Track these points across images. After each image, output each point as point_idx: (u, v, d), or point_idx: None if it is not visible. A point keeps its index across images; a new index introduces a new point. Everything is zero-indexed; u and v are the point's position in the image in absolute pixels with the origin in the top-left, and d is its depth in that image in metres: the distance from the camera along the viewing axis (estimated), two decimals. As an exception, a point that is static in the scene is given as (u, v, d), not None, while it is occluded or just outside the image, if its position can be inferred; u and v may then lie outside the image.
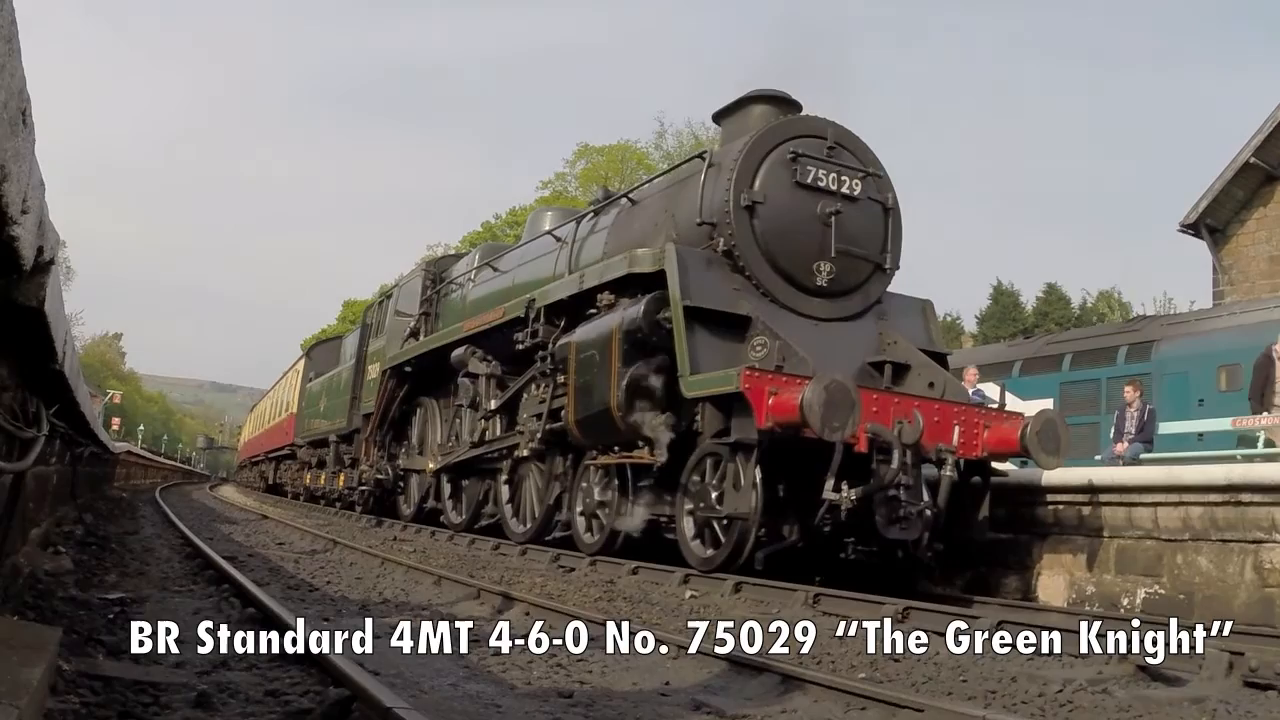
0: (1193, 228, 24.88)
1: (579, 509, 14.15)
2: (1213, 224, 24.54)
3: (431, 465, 19.94)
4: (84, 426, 13.57)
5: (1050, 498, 12.45)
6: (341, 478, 27.00)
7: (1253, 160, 23.31)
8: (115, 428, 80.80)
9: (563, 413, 13.84)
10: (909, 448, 10.90)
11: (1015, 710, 5.42)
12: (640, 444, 12.35)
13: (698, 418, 11.67)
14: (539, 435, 14.75)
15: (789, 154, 12.54)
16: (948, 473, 11.20)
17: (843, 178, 12.77)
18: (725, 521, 11.08)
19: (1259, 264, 24.11)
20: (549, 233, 17.15)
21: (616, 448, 12.97)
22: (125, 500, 27.34)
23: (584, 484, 14.11)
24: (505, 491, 16.87)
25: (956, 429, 11.44)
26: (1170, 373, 19.60)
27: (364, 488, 24.08)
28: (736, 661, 6.31)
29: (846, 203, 12.70)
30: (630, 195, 15.30)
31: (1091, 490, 11.90)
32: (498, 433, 17.10)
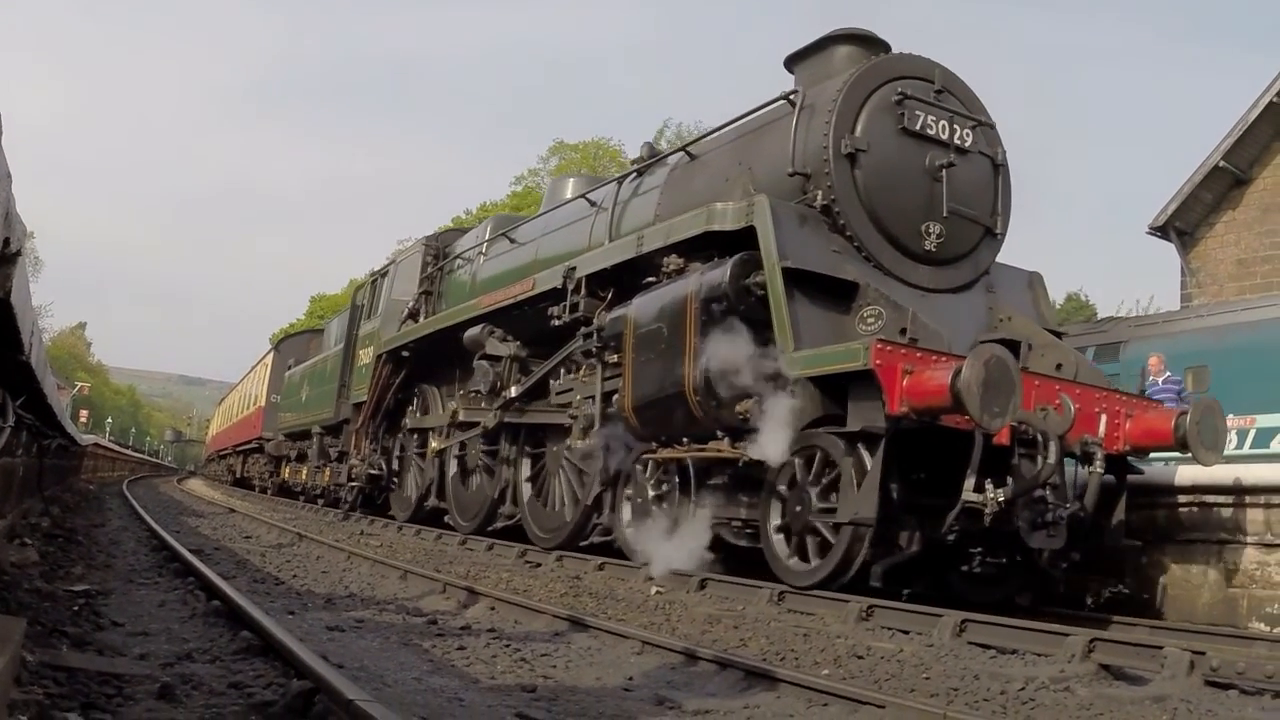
0: (1161, 230, 24.97)
1: (626, 511, 12.38)
2: (1181, 227, 24.62)
3: (435, 445, 17.94)
4: (51, 418, 13.51)
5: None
6: (327, 472, 24.70)
7: (1222, 164, 23.40)
8: (83, 420, 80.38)
9: (615, 398, 12.03)
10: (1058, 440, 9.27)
11: (977, 708, 5.44)
12: (719, 434, 10.51)
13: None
14: (597, 422, 12.54)
15: (895, 96, 10.81)
16: (1097, 469, 9.61)
17: (954, 126, 11.11)
18: (822, 530, 9.43)
19: (1227, 266, 24.21)
20: (583, 196, 15.09)
21: (686, 439, 11.03)
22: (92, 493, 27.20)
23: (633, 481, 12.26)
24: (527, 489, 15.08)
25: (1103, 418, 9.93)
26: (1138, 373, 19.67)
27: (354, 483, 21.87)
28: (700, 657, 6.33)
29: (957, 155, 11.02)
30: (688, 149, 13.18)
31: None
32: (505, 420, 15.29)
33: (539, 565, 12.21)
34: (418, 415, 19.56)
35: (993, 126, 11.50)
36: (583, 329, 12.91)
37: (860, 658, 6.76)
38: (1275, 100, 21.41)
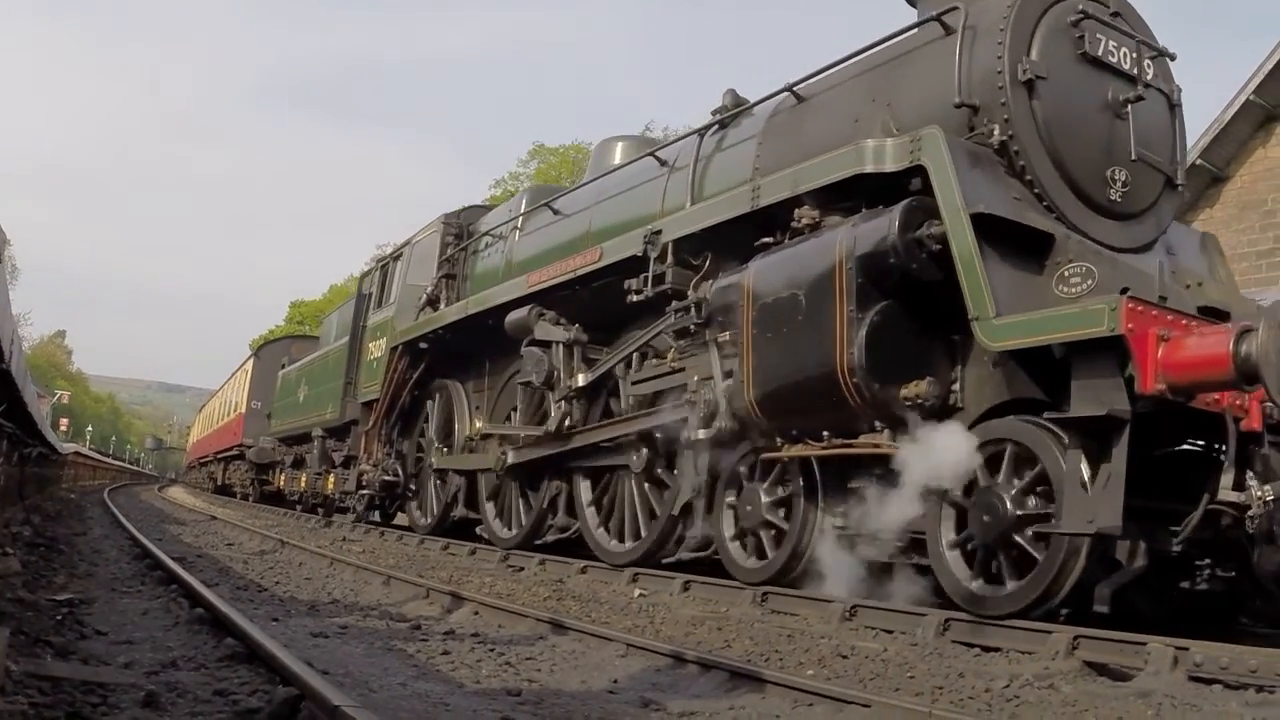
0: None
1: (729, 521, 10.29)
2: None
3: (480, 425, 15.42)
4: (32, 427, 13.50)
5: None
6: (331, 479, 22.38)
7: (1199, 162, 23.46)
8: (63, 428, 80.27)
9: (726, 388, 9.86)
10: None
11: (962, 706, 5.45)
12: (877, 425, 8.39)
13: (954, 387, 8.37)
14: (722, 405, 9.97)
15: (1072, 16, 8.87)
16: None
17: (1137, 55, 9.18)
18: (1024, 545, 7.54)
19: (1205, 264, 24.33)
20: (651, 154, 12.65)
21: (826, 432, 8.77)
22: (73, 501, 27.13)
23: (738, 486, 10.23)
24: (587, 495, 12.85)
25: None
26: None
27: (365, 491, 19.21)
28: (685, 659, 6.33)
29: (1142, 89, 9.12)
30: (795, 89, 10.62)
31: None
32: (577, 418, 12.76)
33: (521, 569, 12.18)
34: (437, 443, 16.96)
35: (1172, 58, 9.69)
36: (674, 304, 10.85)
37: (845, 657, 6.76)
38: (1252, 99, 21.47)
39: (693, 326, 10.52)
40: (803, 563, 9.30)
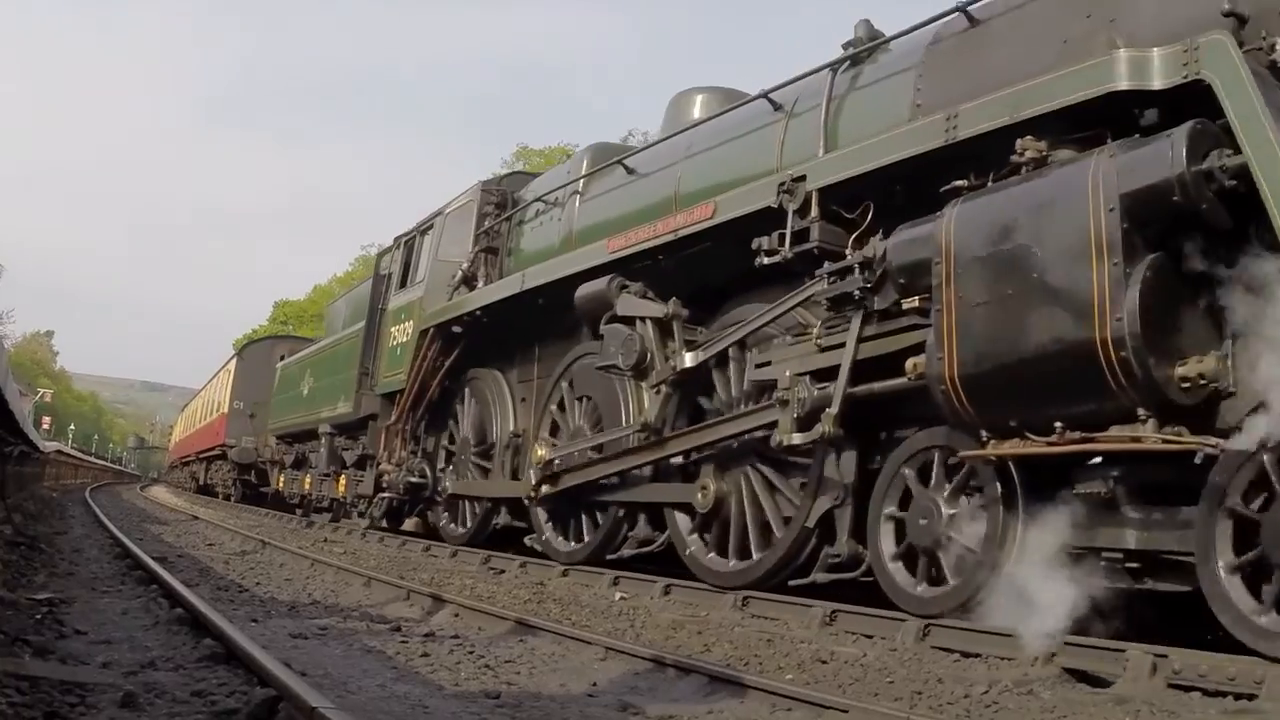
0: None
1: (890, 536, 8.22)
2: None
3: (542, 452, 12.15)
4: (13, 425, 13.44)
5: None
6: (342, 481, 19.90)
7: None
8: (45, 427, 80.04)
9: (913, 364, 7.77)
10: None
11: (941, 711, 5.46)
12: (1140, 414, 6.27)
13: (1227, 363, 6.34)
14: (836, 404, 8.23)
15: None
16: None
17: None
18: None
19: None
20: (764, 95, 10.34)
21: (1059, 423, 6.64)
22: (55, 500, 27.05)
23: (904, 492, 8.17)
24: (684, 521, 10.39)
25: None
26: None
27: (385, 494, 16.79)
28: (665, 663, 6.34)
29: None
30: (966, 8, 8.48)
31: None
32: (669, 412, 10.57)
33: (502, 572, 12.14)
34: (472, 442, 14.83)
35: None
36: (827, 265, 8.64)
37: (824, 662, 6.76)
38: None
39: (857, 292, 8.35)
40: (998, 589, 7.28)
